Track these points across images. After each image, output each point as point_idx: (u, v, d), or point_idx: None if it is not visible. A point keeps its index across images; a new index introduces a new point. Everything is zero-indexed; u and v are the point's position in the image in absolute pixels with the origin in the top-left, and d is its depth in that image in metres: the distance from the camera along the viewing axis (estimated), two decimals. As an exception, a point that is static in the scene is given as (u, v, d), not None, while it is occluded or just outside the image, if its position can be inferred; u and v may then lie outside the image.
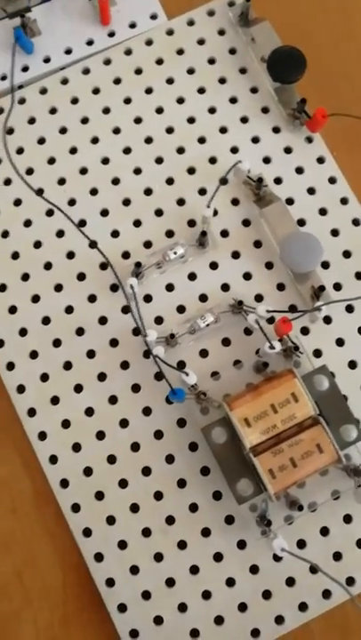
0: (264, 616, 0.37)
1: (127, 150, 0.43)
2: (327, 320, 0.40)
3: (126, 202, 0.42)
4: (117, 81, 0.44)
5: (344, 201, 0.42)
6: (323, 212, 0.42)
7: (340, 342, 0.40)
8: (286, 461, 0.35)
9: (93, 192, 0.42)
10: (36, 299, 0.41)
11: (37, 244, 0.42)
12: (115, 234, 0.42)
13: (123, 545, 0.38)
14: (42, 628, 0.38)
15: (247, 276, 0.41)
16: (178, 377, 0.38)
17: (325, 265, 0.41)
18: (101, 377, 0.40)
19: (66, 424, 0.39)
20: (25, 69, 0.44)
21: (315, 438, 0.35)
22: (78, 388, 0.40)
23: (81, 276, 0.41)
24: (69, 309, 0.41)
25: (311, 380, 0.37)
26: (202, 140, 0.43)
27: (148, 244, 0.41)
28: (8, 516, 0.39)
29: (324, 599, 0.37)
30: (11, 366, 0.40)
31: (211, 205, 0.39)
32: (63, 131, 0.43)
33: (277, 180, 0.42)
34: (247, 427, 0.35)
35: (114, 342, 0.40)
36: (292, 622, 0.37)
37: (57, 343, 0.40)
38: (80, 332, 0.40)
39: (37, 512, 0.39)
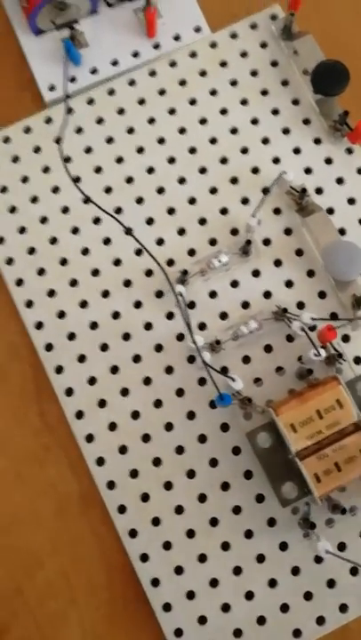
0: (305, 617, 0.38)
1: (171, 160, 0.44)
2: (368, 328, 0.41)
3: (171, 210, 0.43)
4: (162, 92, 0.45)
5: (384, 212, 0.43)
6: (363, 221, 0.43)
7: (381, 350, 0.41)
8: (331, 466, 0.36)
9: (139, 201, 0.43)
10: (84, 304, 0.42)
11: (85, 251, 0.43)
12: (160, 242, 0.43)
13: (167, 546, 0.39)
14: (88, 627, 0.39)
15: (289, 284, 0.42)
16: (222, 382, 0.39)
17: (367, 274, 0.42)
18: (147, 381, 0.41)
19: (113, 427, 0.40)
20: (72, 80, 0.45)
21: (358, 443, 0.36)
22: (125, 392, 0.41)
23: (127, 283, 0.42)
24: (116, 315, 0.42)
25: (354, 387, 0.38)
26: (244, 151, 0.44)
27: (191, 252, 0.43)
28: (55, 517, 0.40)
29: (365, 600, 0.38)
30: (60, 370, 0.41)
31: (256, 215, 0.40)
32: (110, 140, 0.44)
33: (318, 190, 0.43)
34: (293, 432, 0.36)
35: (159, 347, 0.41)
36: (333, 623, 0.38)
37: (104, 348, 0.41)
38: (126, 337, 0.41)
39: (83, 513, 0.40)
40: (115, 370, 0.41)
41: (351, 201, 0.43)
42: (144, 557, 0.39)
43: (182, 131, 0.45)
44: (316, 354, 0.38)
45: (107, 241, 0.43)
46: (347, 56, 0.43)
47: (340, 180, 0.44)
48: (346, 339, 0.41)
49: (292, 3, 0.44)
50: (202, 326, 0.41)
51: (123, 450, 0.40)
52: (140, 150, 0.44)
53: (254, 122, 0.45)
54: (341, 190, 0.43)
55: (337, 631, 0.38)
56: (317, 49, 0.44)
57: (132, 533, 0.39)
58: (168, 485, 0.40)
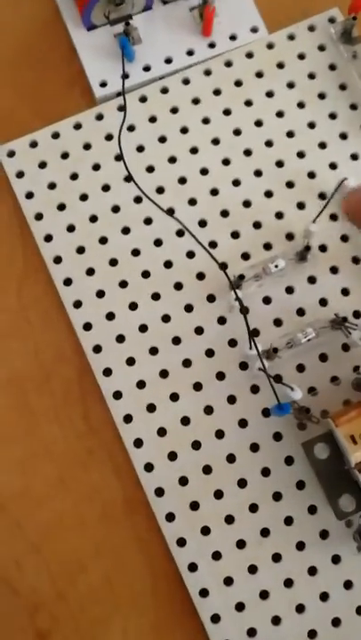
0: (357, 631, 0.37)
1: (226, 162, 0.44)
2: None
3: (224, 213, 0.43)
4: (217, 92, 0.45)
5: None
6: None
7: None
8: (391, 479, 0.36)
9: (192, 202, 0.43)
10: (133, 306, 0.41)
11: (135, 252, 0.42)
12: (212, 245, 0.42)
13: (217, 556, 0.38)
14: (131, 635, 0.38)
15: (345, 292, 0.41)
16: (276, 391, 0.38)
17: None
18: (197, 387, 0.40)
19: (162, 432, 0.40)
20: (125, 77, 0.44)
21: None
22: (174, 397, 0.40)
23: (178, 286, 0.42)
24: (166, 318, 0.41)
25: None
26: (301, 155, 0.44)
27: (245, 256, 0.42)
28: (99, 523, 0.40)
29: None
30: (108, 372, 0.40)
31: (317, 220, 0.39)
32: (162, 140, 0.44)
33: (375, 198, 0.43)
34: (353, 443, 0.36)
35: (210, 352, 0.41)
36: (387, 639, 0.37)
37: (153, 351, 0.41)
38: (176, 341, 0.41)
39: (127, 519, 0.40)
40: (164, 374, 0.40)
41: None
42: (192, 567, 0.38)
43: (237, 132, 0.44)
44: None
45: (158, 242, 0.42)
46: None
47: (396, 188, 0.43)
48: None
49: (354, 6, 0.43)
50: (255, 333, 0.41)
51: (172, 456, 0.39)
52: (194, 150, 0.44)
53: (311, 125, 0.44)
54: None
55: (389, 647, 0.37)
56: (378, 54, 0.43)
57: (181, 542, 0.38)
58: (218, 494, 0.39)
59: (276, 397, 0.37)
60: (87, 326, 0.41)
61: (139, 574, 0.39)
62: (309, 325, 0.40)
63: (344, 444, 0.36)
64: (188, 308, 0.41)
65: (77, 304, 0.41)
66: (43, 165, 0.43)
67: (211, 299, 0.41)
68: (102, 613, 0.39)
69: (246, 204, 0.43)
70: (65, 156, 0.44)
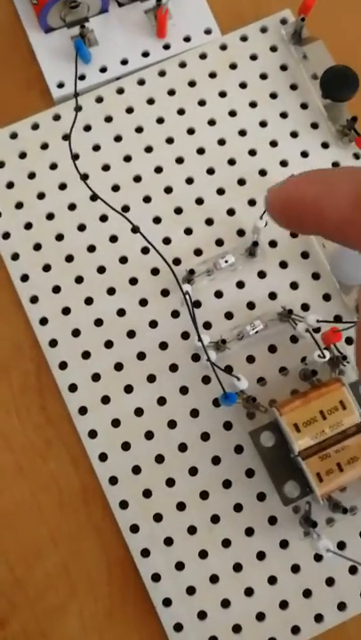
0: (304, 614, 0.39)
1: (180, 160, 0.45)
2: (372, 331, 0.42)
3: (178, 210, 0.44)
4: (171, 92, 0.46)
5: (390, 216, 0.44)
6: (369, 226, 0.44)
7: (383, 352, 0.42)
8: (333, 466, 0.37)
9: (147, 199, 0.45)
10: (89, 301, 0.43)
11: (91, 248, 0.44)
12: (166, 241, 0.44)
13: (169, 542, 0.40)
14: (87, 621, 0.40)
15: (294, 286, 0.43)
16: (226, 381, 0.40)
17: (371, 277, 0.43)
18: (151, 378, 0.42)
19: (116, 423, 0.41)
20: (82, 78, 0.46)
21: (360, 444, 0.38)
22: (128, 389, 0.42)
23: (133, 281, 0.43)
24: (121, 312, 0.43)
25: (357, 388, 0.39)
26: (252, 153, 0.45)
27: (198, 252, 0.44)
28: (56, 511, 0.41)
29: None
30: (63, 365, 0.42)
31: (263, 217, 0.41)
32: (118, 139, 0.46)
33: (325, 194, 0.44)
34: (297, 431, 0.38)
35: (163, 345, 0.42)
36: (331, 621, 0.39)
37: (108, 345, 0.42)
38: (131, 334, 0.43)
39: (84, 507, 0.41)
40: (119, 367, 0.42)
41: (357, 205, 0.44)
42: (145, 553, 0.40)
43: (191, 131, 0.46)
44: (320, 355, 0.39)
45: (113, 239, 0.44)
46: (357, 62, 0.44)
47: (346, 185, 0.45)
48: (350, 341, 0.42)
49: (303, 8, 0.45)
50: (207, 325, 0.43)
51: (126, 446, 0.41)
52: (149, 149, 0.45)
53: (263, 124, 0.46)
54: (347, 194, 0.45)
55: (335, 629, 0.39)
56: (327, 54, 0.45)
57: (134, 529, 0.40)
58: (170, 482, 0.41)
59: (222, 387, 0.39)
60: (43, 321, 0.43)
61: (94, 561, 0.41)
62: (258, 318, 0.41)
63: (288, 431, 0.38)
64: (143, 303, 0.43)
65: (34, 299, 0.43)
66: (1, 165, 0.45)
67: (165, 293, 0.43)
68: (59, 600, 0.41)
69: (199, 201, 0.45)
70: (22, 155, 0.45)
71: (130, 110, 0.46)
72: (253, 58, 0.47)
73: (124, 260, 0.44)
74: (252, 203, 0.45)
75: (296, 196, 0.26)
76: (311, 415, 0.38)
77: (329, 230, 0.26)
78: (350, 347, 0.42)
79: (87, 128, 0.46)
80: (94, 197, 0.44)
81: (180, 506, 0.40)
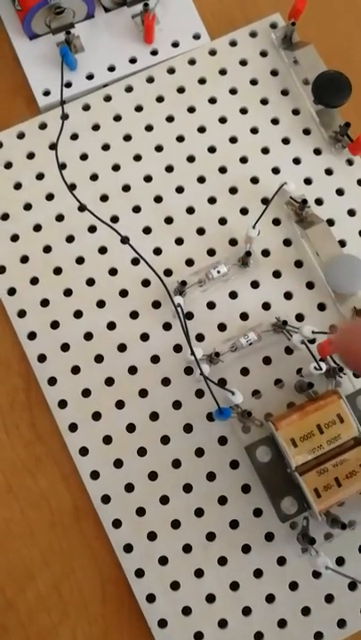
0: (303, 632, 0.39)
1: (169, 169, 0.45)
2: (368, 341, 0.42)
3: (169, 220, 0.44)
4: (160, 99, 0.46)
5: (384, 223, 0.45)
6: (363, 233, 0.44)
7: (380, 363, 0.42)
8: (331, 481, 0.37)
9: (136, 209, 0.45)
10: (78, 314, 0.43)
11: (80, 260, 0.44)
12: (157, 251, 0.44)
13: (163, 561, 0.40)
14: (80, 642, 0.40)
15: (288, 296, 0.43)
16: (219, 394, 0.40)
17: (366, 286, 0.43)
18: (143, 393, 0.42)
19: (107, 440, 0.41)
20: (68, 85, 0.46)
21: (359, 458, 0.38)
22: (120, 404, 0.42)
23: (123, 293, 0.43)
24: (111, 325, 0.43)
25: (354, 400, 0.39)
26: (244, 160, 0.45)
27: (190, 262, 0.44)
28: (47, 530, 0.41)
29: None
30: (53, 381, 0.42)
31: (256, 226, 0.41)
32: (106, 147, 0.46)
33: (318, 202, 0.45)
34: (293, 446, 0.38)
35: (155, 359, 0.42)
36: (331, 638, 0.39)
37: (99, 359, 0.42)
38: (122, 348, 0.42)
39: (76, 526, 0.41)
40: (110, 382, 0.42)
41: (351, 212, 0.45)
42: (139, 572, 0.40)
43: (181, 139, 0.46)
44: (316, 367, 0.39)
45: (102, 250, 0.44)
46: (349, 67, 0.45)
47: (340, 192, 0.45)
48: (345, 352, 0.42)
49: (293, 12, 0.45)
50: (200, 337, 0.42)
51: (118, 463, 0.41)
52: (138, 158, 0.46)
53: (254, 131, 0.46)
54: (342, 202, 0.45)
55: (335, 647, 0.39)
56: (318, 59, 0.45)
57: (128, 548, 0.40)
58: (164, 500, 0.41)
59: (216, 402, 0.39)
60: (31, 335, 0.43)
61: (88, 581, 0.41)
62: (252, 329, 0.41)
63: (285, 447, 0.38)
64: (134, 315, 0.43)
65: (21, 313, 0.43)
66: (-14, 175, 0.45)
67: (156, 305, 0.43)
68: (51, 621, 0.40)
69: (190, 210, 0.45)
70: (8, 165, 0.45)
71: (117, 118, 0.46)
72: (243, 63, 0.47)
73: (113, 271, 0.44)
74: (244, 211, 0.45)
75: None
76: (308, 429, 0.38)
77: None
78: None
79: (74, 137, 0.46)
80: (82, 208, 0.43)
81: (175, 524, 0.40)
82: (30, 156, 0.46)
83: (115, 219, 0.44)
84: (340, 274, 0.41)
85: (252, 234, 0.41)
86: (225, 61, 0.47)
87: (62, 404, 0.42)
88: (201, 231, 0.44)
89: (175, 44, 0.47)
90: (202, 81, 0.47)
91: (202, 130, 0.46)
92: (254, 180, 0.45)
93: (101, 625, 0.40)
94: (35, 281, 0.44)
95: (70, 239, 0.44)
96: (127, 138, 0.46)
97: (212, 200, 0.45)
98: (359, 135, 0.43)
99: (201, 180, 0.45)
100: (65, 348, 0.43)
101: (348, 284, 0.41)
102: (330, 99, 0.44)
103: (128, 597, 0.40)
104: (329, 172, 0.45)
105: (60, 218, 0.45)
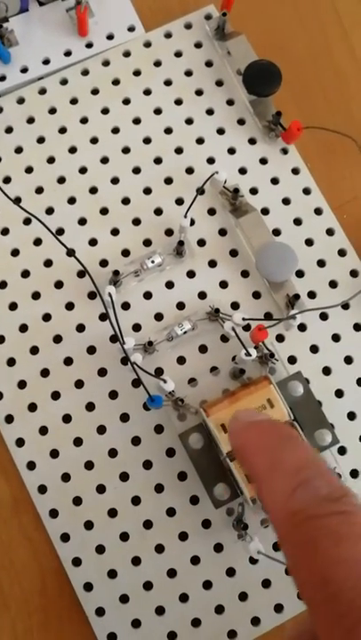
0: (241, 617, 0.40)
1: (105, 160, 0.46)
2: (302, 327, 0.43)
3: (104, 211, 0.45)
4: (95, 91, 0.47)
5: (318, 211, 0.45)
6: (297, 222, 0.45)
7: (314, 349, 0.43)
8: (262, 465, 0.38)
9: (71, 201, 0.45)
10: (13, 306, 0.43)
11: (15, 252, 0.44)
12: (92, 242, 0.44)
13: (101, 549, 0.40)
14: (20, 635, 0.40)
15: (223, 285, 0.44)
16: (156, 384, 0.40)
17: (300, 274, 0.44)
18: (79, 384, 0.42)
19: (43, 430, 0.42)
20: (2, 79, 0.47)
21: (290, 442, 0.38)
22: (56, 395, 0.42)
23: (59, 284, 0.44)
24: (47, 317, 0.43)
25: (286, 386, 0.40)
26: (179, 151, 0.46)
27: (125, 253, 0.44)
28: (-15, 523, 0.41)
29: (300, 599, 0.39)
30: (-12, 374, 0.42)
31: (188, 215, 0.42)
32: (41, 140, 0.46)
33: (253, 191, 0.45)
34: (224, 432, 0.38)
35: (91, 349, 0.43)
36: (269, 623, 0.40)
37: (34, 350, 0.43)
38: (58, 339, 0.43)
39: (15, 518, 0.42)
40: (45, 373, 0.43)
41: (286, 201, 0.45)
42: (76, 561, 0.40)
43: (116, 130, 0.46)
44: (246, 354, 0.40)
45: (37, 242, 0.44)
46: (282, 56, 0.45)
47: (274, 181, 0.46)
48: (280, 338, 0.43)
49: (225, 3, 0.46)
50: (136, 327, 0.43)
51: (54, 454, 0.41)
52: (73, 150, 0.46)
53: (189, 122, 0.47)
54: (276, 190, 0.46)
55: (273, 631, 0.40)
56: (250, 49, 0.46)
57: (65, 537, 0.40)
58: (101, 489, 0.41)
59: (146, 390, 0.39)
60: (-35, 328, 0.43)
61: (27, 573, 0.41)
62: (186, 318, 0.42)
63: (215, 433, 0.38)
64: (69, 306, 0.43)
65: None
66: None
67: (92, 295, 0.44)
68: (-9, 614, 0.41)
69: (125, 201, 0.45)
70: None
71: (52, 111, 0.47)
72: (178, 54, 0.48)
73: (48, 263, 0.44)
74: (179, 201, 0.45)
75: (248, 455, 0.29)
76: (239, 414, 0.38)
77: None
78: (279, 344, 0.43)
79: (9, 130, 0.46)
80: (18, 200, 0.44)
81: (112, 512, 0.41)
82: (-36, 149, 0.46)
83: (50, 210, 0.45)
84: (270, 261, 0.42)
85: (184, 223, 0.42)
86: (160, 53, 0.48)
87: (-2, 396, 0.42)
88: (137, 221, 0.45)
89: (110, 37, 0.48)
90: (137, 73, 0.47)
91: (137, 121, 0.47)
92: (189, 171, 0.46)
93: (41, 616, 0.41)
94: (-31, 274, 0.44)
95: (5, 232, 0.45)
96: (62, 130, 0.46)
97: (147, 190, 0.46)
98: (291, 124, 0.44)
99: (136, 170, 0.46)
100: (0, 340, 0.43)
101: (278, 271, 0.42)
102: (261, 88, 0.44)
103: (67, 587, 0.40)
104: (264, 161, 0.46)
105: (-6, 210, 0.45)
